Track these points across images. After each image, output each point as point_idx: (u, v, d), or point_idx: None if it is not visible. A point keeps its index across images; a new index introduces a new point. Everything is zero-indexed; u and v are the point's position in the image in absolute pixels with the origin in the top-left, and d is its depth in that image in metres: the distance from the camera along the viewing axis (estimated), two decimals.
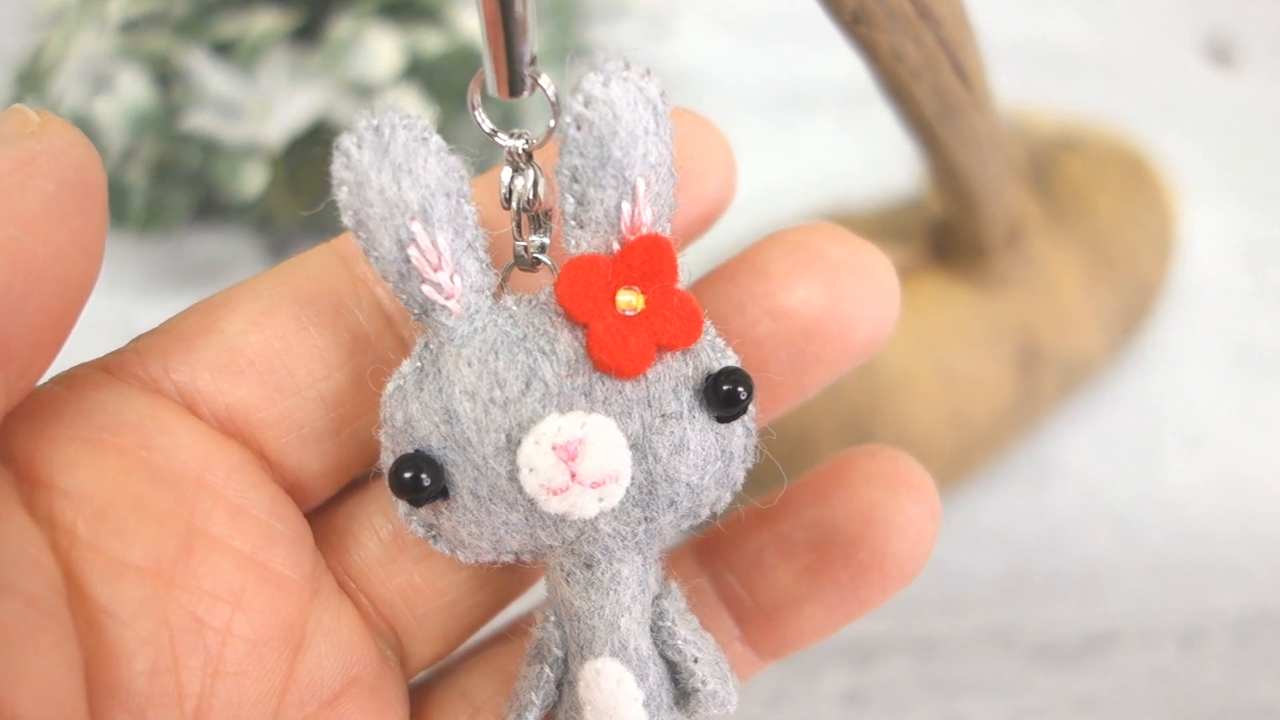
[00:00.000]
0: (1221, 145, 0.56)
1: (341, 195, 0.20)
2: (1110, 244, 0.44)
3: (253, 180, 0.44)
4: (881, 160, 0.50)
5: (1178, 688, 0.39)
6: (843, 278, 0.24)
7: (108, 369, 0.22)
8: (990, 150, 0.34)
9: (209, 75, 0.43)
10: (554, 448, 0.20)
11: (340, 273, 0.23)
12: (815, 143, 0.56)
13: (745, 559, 0.25)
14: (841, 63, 0.57)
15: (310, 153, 0.45)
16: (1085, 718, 0.39)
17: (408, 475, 0.21)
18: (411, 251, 0.20)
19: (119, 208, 0.46)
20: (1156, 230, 0.46)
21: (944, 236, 0.42)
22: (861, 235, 0.40)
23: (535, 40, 0.21)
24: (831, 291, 0.24)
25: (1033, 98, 0.49)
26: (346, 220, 0.20)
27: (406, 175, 0.20)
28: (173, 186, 0.46)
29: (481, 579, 0.25)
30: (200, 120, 0.43)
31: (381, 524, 0.24)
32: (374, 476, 0.24)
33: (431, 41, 0.44)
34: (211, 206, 0.48)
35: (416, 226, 0.20)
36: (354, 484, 0.24)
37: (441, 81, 0.44)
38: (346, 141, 0.20)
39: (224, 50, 0.44)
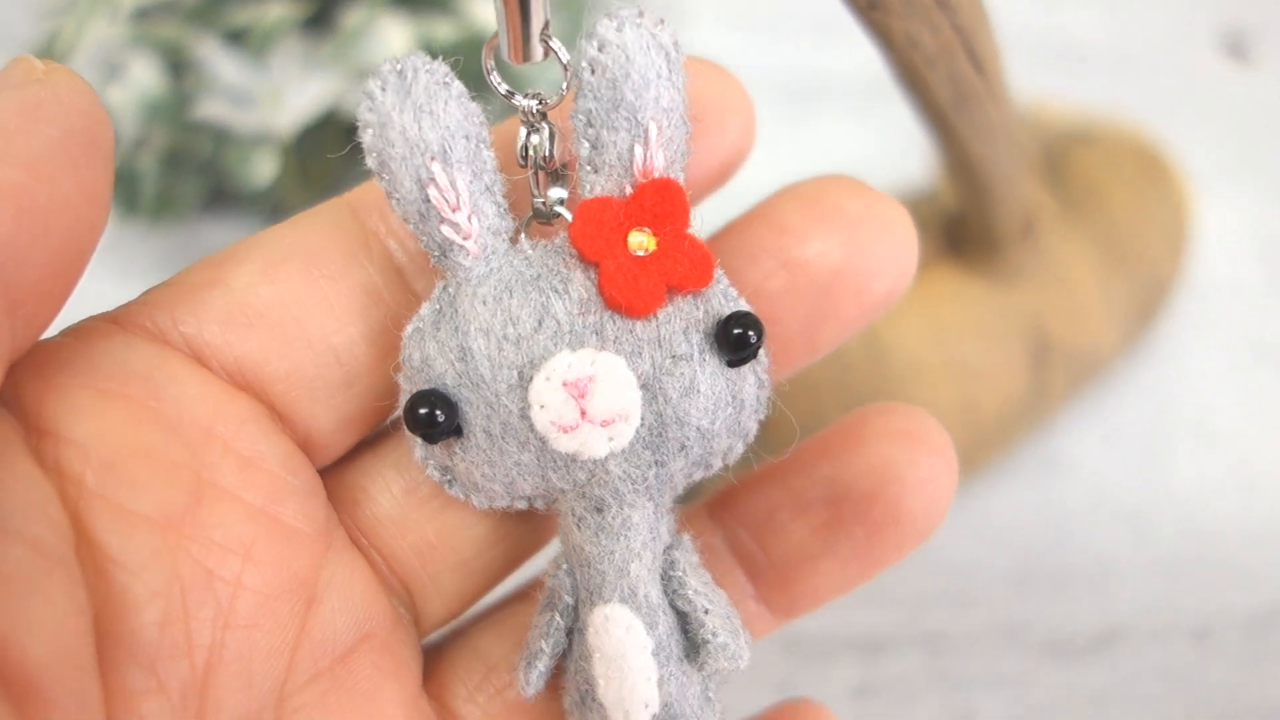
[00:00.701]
0: (1236, 140, 0.55)
1: (366, 137, 0.20)
2: (1124, 237, 0.44)
3: (264, 169, 0.44)
4: (893, 153, 0.50)
5: (1188, 684, 0.39)
6: (860, 230, 0.24)
7: (115, 320, 0.22)
8: (1005, 140, 0.34)
9: (221, 64, 0.43)
10: (564, 384, 0.21)
11: (351, 225, 0.23)
12: (827, 135, 0.55)
13: (759, 515, 0.25)
14: (853, 55, 0.57)
15: (321, 141, 0.45)
16: (1094, 713, 0.39)
17: (422, 411, 0.21)
18: (431, 191, 0.21)
19: (130, 196, 0.46)
20: (1170, 224, 0.46)
21: (957, 229, 0.41)
22: None
23: (548, 7, 0.21)
24: (849, 244, 0.23)
25: (1047, 91, 0.49)
26: (370, 162, 0.21)
27: (427, 116, 0.20)
28: (184, 175, 0.46)
29: (496, 536, 0.24)
30: (212, 109, 0.43)
31: (394, 479, 0.24)
32: (392, 426, 0.24)
33: (443, 30, 0.44)
34: (222, 195, 0.48)
35: (436, 166, 0.21)
36: (367, 441, 0.24)
37: (453, 70, 0.44)
38: (371, 84, 0.20)
39: (236, 39, 0.45)
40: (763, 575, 0.25)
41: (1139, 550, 0.42)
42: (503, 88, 0.22)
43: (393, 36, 0.43)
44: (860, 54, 0.56)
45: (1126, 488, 0.44)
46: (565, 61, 0.22)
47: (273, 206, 0.48)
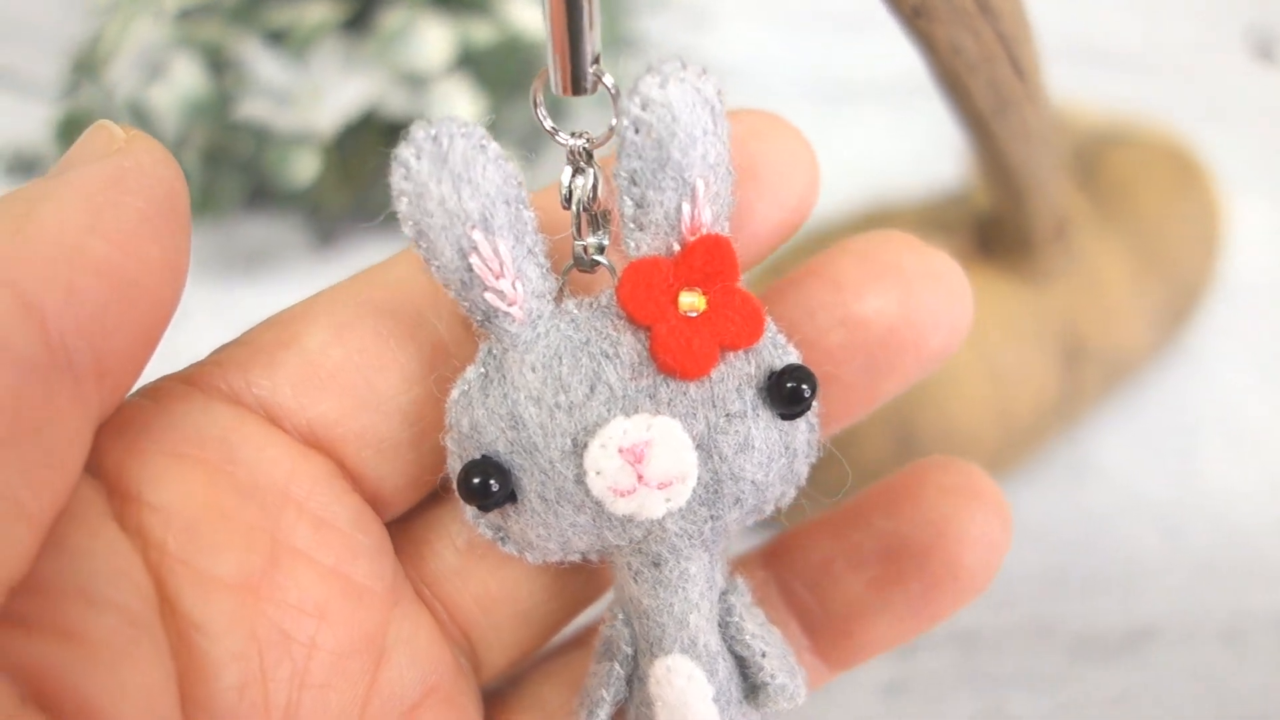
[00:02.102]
0: (1267, 142, 0.55)
1: (402, 206, 0.20)
2: (1156, 240, 0.44)
3: (304, 168, 0.44)
4: (925, 154, 0.50)
5: (1217, 685, 0.39)
6: (916, 286, 0.24)
7: (190, 381, 0.22)
8: (1042, 145, 0.34)
9: (262, 64, 0.44)
10: (620, 450, 0.20)
11: (420, 280, 0.23)
12: (857, 136, 0.56)
13: (814, 568, 0.25)
14: (883, 56, 0.58)
15: (361, 141, 0.46)
16: (1125, 713, 0.39)
17: (476, 481, 0.21)
18: (473, 260, 0.20)
19: None
20: (1202, 226, 0.46)
21: (990, 230, 0.42)
22: (906, 229, 0.40)
23: (598, 39, 0.21)
24: (905, 300, 0.24)
25: (1078, 94, 0.49)
26: (407, 231, 0.20)
27: (466, 184, 0.20)
28: (225, 174, 0.46)
29: (555, 588, 0.25)
30: (253, 108, 0.44)
31: (458, 533, 0.24)
32: (442, 487, 0.24)
33: (482, 32, 0.45)
34: (262, 194, 0.49)
35: (478, 235, 0.20)
36: (432, 494, 0.24)
37: (492, 72, 0.44)
38: (405, 152, 0.20)
39: (277, 39, 0.45)
40: (818, 628, 0.25)
41: (1169, 551, 0.43)
42: (548, 124, 0.22)
43: (432, 38, 0.44)
44: (891, 54, 0.57)
45: (1157, 489, 0.44)
46: (614, 93, 0.21)
47: (312, 206, 0.49)
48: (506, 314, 0.21)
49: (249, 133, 0.45)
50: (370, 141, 0.46)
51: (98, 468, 0.20)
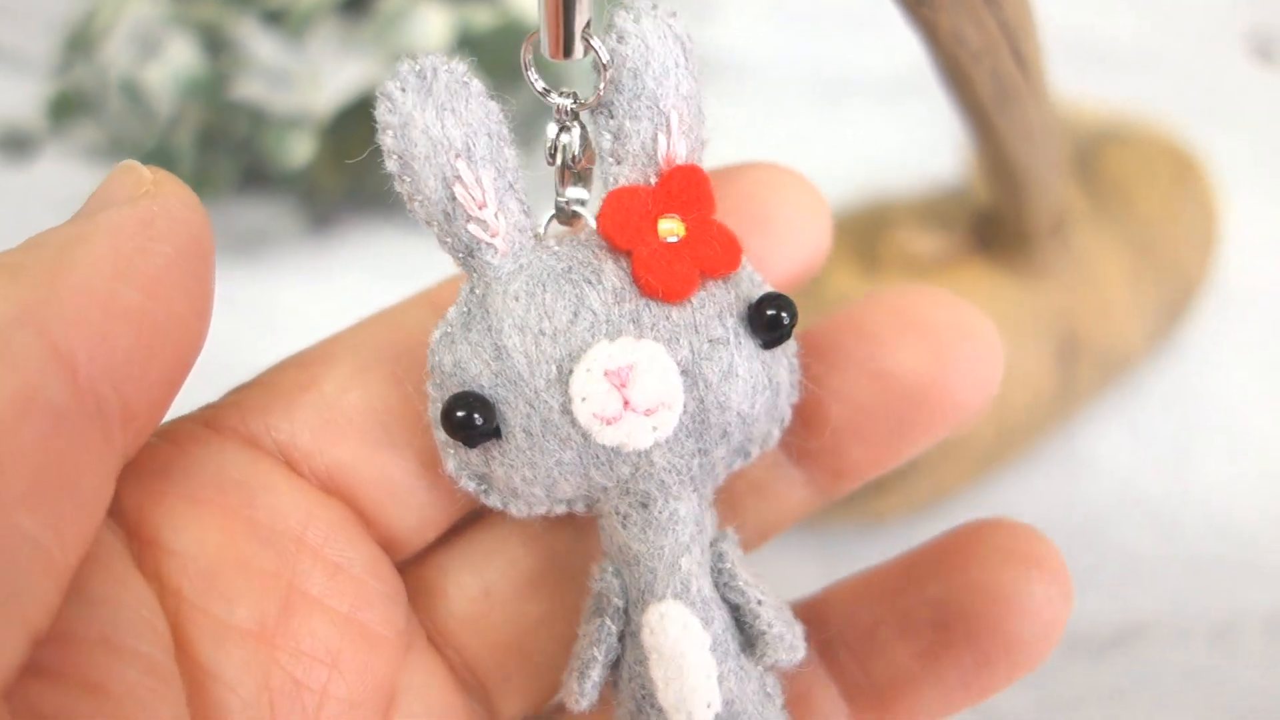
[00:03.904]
0: (1266, 142, 0.55)
1: (386, 140, 0.20)
2: (1153, 236, 0.44)
3: (300, 149, 0.44)
4: (925, 149, 0.50)
5: (1208, 682, 0.39)
6: (947, 342, 0.23)
7: (209, 424, 0.22)
8: (1043, 138, 0.34)
9: (258, 44, 0.44)
10: (606, 374, 0.20)
11: (433, 324, 0.23)
12: (858, 130, 0.55)
13: (859, 632, 0.24)
14: (884, 50, 0.58)
15: (356, 125, 0.46)
16: (1115, 708, 0.39)
17: (460, 414, 0.20)
18: (457, 189, 0.21)
19: None
20: (1199, 224, 0.46)
21: (988, 225, 0.42)
22: (904, 222, 0.40)
23: (589, 5, 0.21)
24: (936, 356, 0.23)
25: (1078, 92, 0.49)
26: (391, 165, 0.20)
27: (450, 114, 0.20)
28: (220, 154, 0.46)
29: (569, 638, 0.24)
30: (249, 89, 0.44)
31: (471, 582, 0.24)
32: (464, 521, 0.24)
33: (481, 16, 0.44)
34: (256, 176, 0.49)
35: (461, 164, 0.20)
36: (443, 537, 0.24)
37: (491, 56, 0.44)
38: (390, 86, 0.20)
39: (274, 19, 0.45)
40: (860, 696, 0.24)
41: (1162, 547, 0.43)
42: (539, 84, 0.22)
43: (431, 20, 0.43)
44: (890, 50, 0.56)
45: (1151, 485, 0.44)
46: (605, 61, 0.22)
47: (307, 189, 0.49)
48: (489, 245, 0.21)
49: (244, 113, 0.45)
50: (365, 125, 0.45)
51: (118, 511, 0.20)
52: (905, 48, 0.29)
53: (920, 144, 0.50)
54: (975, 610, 0.22)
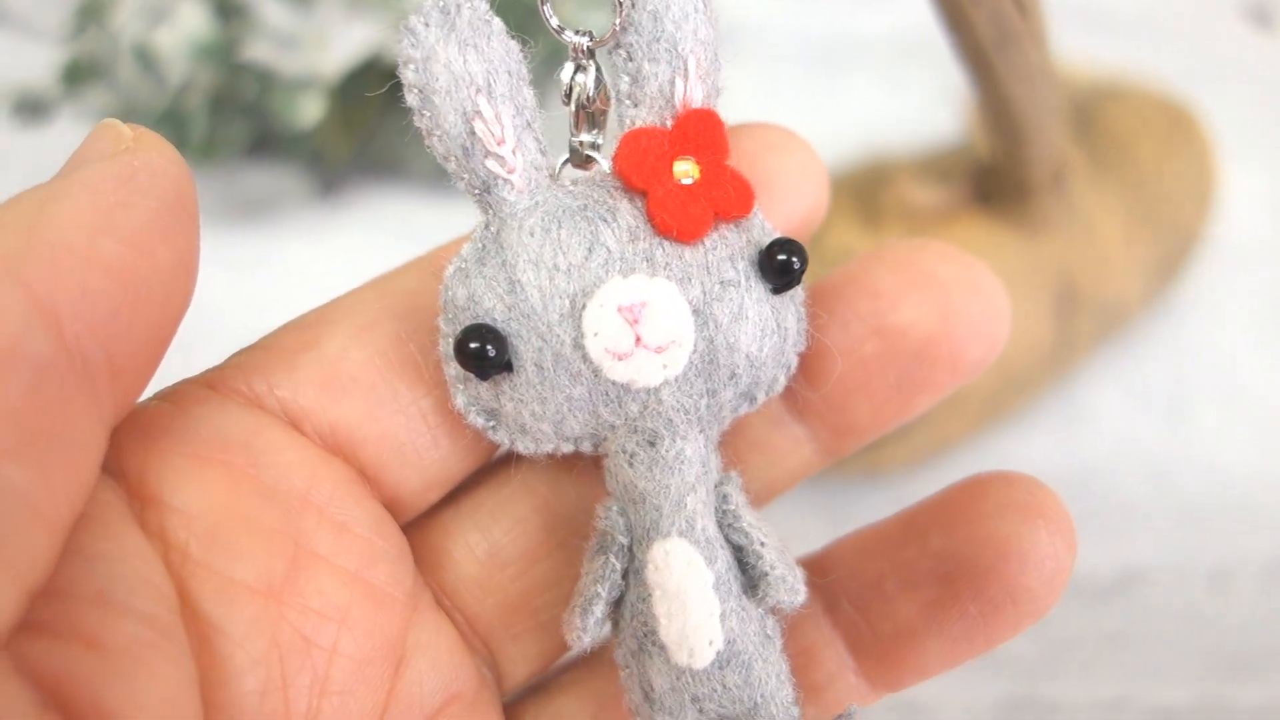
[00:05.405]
0: (1261, 105, 0.56)
1: (408, 73, 0.20)
2: (1151, 192, 0.45)
3: (309, 111, 0.45)
4: (923, 113, 0.51)
5: (1205, 625, 0.40)
6: (953, 297, 0.23)
7: (211, 385, 0.22)
8: (1042, 84, 0.34)
9: (268, 8, 0.44)
10: (619, 309, 0.21)
11: (435, 288, 0.23)
12: (856, 96, 0.56)
13: (864, 586, 0.24)
14: (882, 16, 0.58)
15: (363, 89, 0.46)
16: (1115, 651, 0.40)
17: (473, 345, 0.21)
18: (476, 124, 0.21)
19: (178, 139, 0.47)
20: (1197, 179, 0.46)
21: (987, 178, 0.42)
22: (904, 177, 0.40)
23: None
24: (943, 312, 0.23)
25: (1075, 55, 0.50)
26: (412, 99, 0.21)
27: (472, 49, 0.20)
28: (230, 117, 0.47)
29: None
30: (258, 51, 0.44)
31: (478, 542, 0.24)
32: (470, 482, 0.24)
33: None
34: (265, 142, 0.49)
35: (481, 100, 0.21)
36: (448, 498, 0.24)
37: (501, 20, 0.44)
38: (414, 20, 0.20)
39: None
40: (865, 649, 0.24)
41: (1159, 497, 0.43)
42: (554, 21, 0.22)
43: None
44: (888, 16, 0.57)
45: (1148, 437, 0.45)
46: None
47: (314, 153, 0.49)
48: (506, 181, 0.22)
49: (254, 76, 0.45)
50: (373, 87, 0.46)
51: (119, 471, 0.20)
52: (903, 10, 0.29)
53: (917, 109, 0.50)
54: (981, 562, 0.22)
